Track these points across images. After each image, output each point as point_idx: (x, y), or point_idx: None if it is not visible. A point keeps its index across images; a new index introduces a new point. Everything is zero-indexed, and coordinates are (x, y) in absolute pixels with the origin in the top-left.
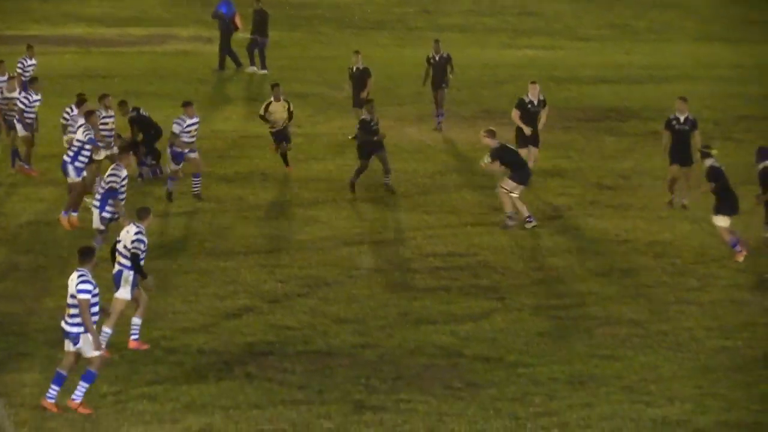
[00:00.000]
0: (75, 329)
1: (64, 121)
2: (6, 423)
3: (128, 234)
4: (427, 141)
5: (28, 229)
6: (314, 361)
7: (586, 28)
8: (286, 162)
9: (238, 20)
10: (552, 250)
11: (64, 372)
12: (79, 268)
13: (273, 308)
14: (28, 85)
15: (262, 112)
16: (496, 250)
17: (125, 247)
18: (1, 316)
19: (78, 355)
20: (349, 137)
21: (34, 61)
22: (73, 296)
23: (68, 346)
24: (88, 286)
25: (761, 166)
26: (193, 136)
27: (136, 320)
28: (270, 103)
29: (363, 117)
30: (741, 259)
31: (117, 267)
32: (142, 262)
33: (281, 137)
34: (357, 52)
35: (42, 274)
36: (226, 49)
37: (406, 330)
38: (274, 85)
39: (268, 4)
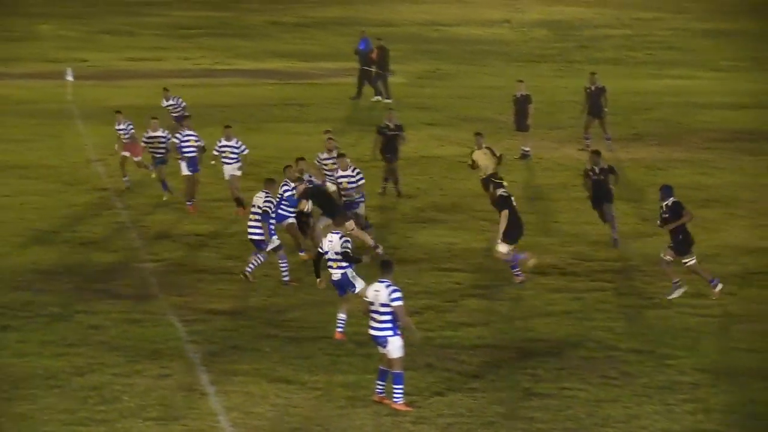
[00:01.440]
0: (382, 333)
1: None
2: None
3: (333, 243)
4: (582, 158)
5: (235, 238)
6: (487, 354)
7: (722, 60)
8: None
9: (374, 54)
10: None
11: (384, 367)
12: (383, 279)
13: (450, 307)
14: (180, 122)
15: (469, 161)
16: (646, 258)
17: (336, 252)
18: (214, 313)
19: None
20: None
21: (171, 102)
22: (384, 304)
23: (381, 349)
24: (399, 294)
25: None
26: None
27: (342, 316)
28: (473, 151)
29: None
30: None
31: (337, 273)
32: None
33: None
34: (520, 81)
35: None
36: (365, 80)
37: (567, 326)
38: (477, 134)
39: (443, 41)
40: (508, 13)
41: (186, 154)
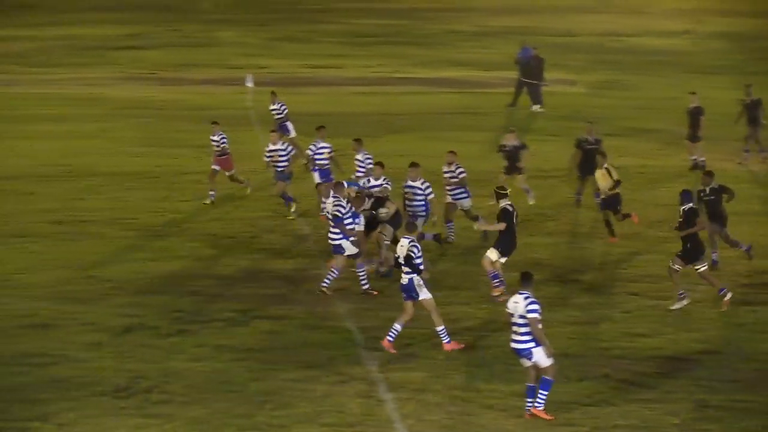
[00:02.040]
0: (524, 345)
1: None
2: None
3: (402, 247)
4: (737, 171)
5: None
6: (662, 365)
7: None
8: (610, 231)
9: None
10: None
11: (531, 384)
12: (522, 291)
13: (626, 318)
14: (317, 132)
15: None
16: None
17: (403, 257)
18: (390, 320)
19: (536, 367)
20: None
21: (275, 106)
22: (522, 316)
23: (524, 362)
24: (536, 306)
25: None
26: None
27: (398, 326)
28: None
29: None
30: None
31: (405, 278)
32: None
33: (606, 205)
34: (693, 93)
35: None
36: (522, 88)
37: (741, 339)
38: (599, 154)
39: (623, 52)
40: (687, 24)
41: (317, 166)
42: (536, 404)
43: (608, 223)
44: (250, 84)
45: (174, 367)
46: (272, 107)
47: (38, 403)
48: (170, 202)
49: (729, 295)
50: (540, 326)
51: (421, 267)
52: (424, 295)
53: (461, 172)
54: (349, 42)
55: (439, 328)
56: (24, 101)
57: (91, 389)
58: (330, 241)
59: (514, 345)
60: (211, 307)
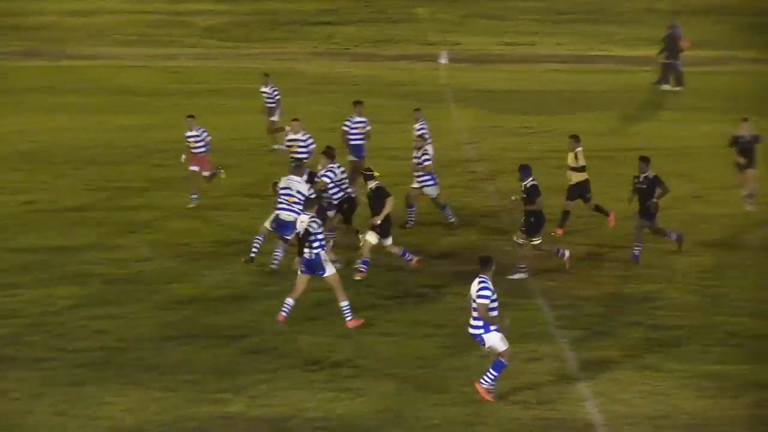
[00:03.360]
0: (476, 331)
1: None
2: None
3: (302, 222)
4: None
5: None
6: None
7: None
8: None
9: (684, 42)
10: None
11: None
12: (481, 275)
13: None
14: (354, 107)
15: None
16: None
17: (317, 233)
18: (582, 299)
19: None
20: None
21: (267, 89)
22: (474, 300)
23: (482, 349)
24: (488, 292)
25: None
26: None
27: (343, 303)
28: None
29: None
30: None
31: (311, 253)
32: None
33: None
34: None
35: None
36: (671, 67)
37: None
38: (571, 137)
39: None
40: None
41: (352, 142)
42: (482, 380)
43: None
44: (443, 61)
45: (365, 342)
46: (263, 90)
47: (231, 375)
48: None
49: (567, 253)
50: (492, 313)
51: (321, 243)
52: (330, 270)
53: (426, 159)
54: (544, 19)
55: (342, 304)
56: (220, 75)
57: (282, 362)
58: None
59: (469, 330)
60: (404, 282)
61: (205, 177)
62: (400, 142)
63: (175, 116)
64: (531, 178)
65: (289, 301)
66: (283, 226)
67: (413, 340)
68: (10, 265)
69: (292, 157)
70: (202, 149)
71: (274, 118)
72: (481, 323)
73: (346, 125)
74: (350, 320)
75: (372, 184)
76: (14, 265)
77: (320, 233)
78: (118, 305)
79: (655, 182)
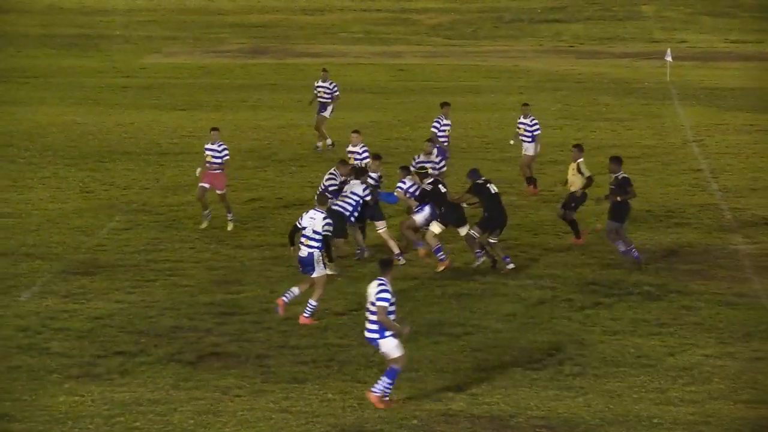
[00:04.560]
0: (372, 335)
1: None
2: None
3: (315, 221)
4: None
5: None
6: None
7: None
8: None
9: None
10: None
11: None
12: (380, 277)
13: None
14: (441, 109)
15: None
16: None
17: (316, 231)
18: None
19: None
20: None
21: (326, 84)
22: (373, 303)
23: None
24: (387, 295)
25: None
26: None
27: (312, 302)
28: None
29: None
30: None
31: (305, 251)
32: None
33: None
34: None
35: None
36: None
37: None
38: (574, 146)
39: None
40: None
41: (444, 143)
42: (374, 389)
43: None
44: (669, 58)
45: (588, 340)
46: (321, 84)
47: (453, 373)
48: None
49: (480, 260)
50: (390, 316)
51: (320, 245)
52: (320, 271)
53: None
54: None
55: (313, 302)
56: (446, 73)
57: (505, 360)
58: None
59: (365, 333)
60: (627, 280)
61: (219, 195)
62: (626, 139)
63: (401, 114)
64: (475, 178)
65: (295, 290)
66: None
67: (636, 339)
68: (235, 262)
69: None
70: (218, 165)
71: (326, 114)
72: (377, 327)
73: (435, 126)
74: (307, 317)
75: (427, 182)
76: (238, 262)
77: (330, 234)
78: (340, 303)
79: (623, 184)
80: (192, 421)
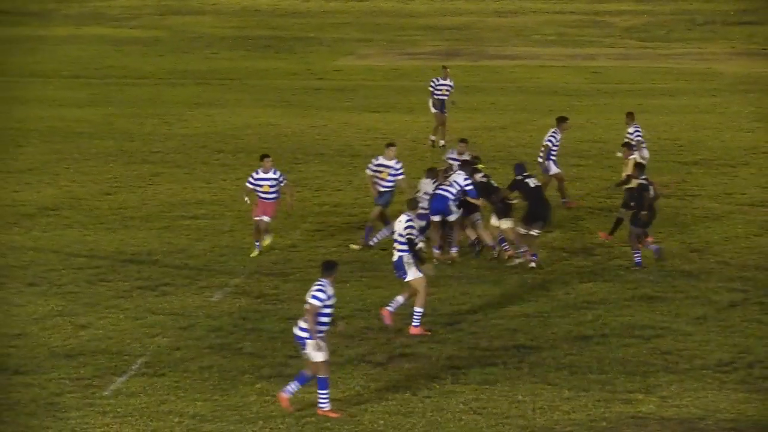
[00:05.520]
0: (302, 333)
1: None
2: None
3: (400, 222)
4: None
5: None
6: None
7: None
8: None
9: None
10: None
11: (305, 372)
12: (320, 279)
13: None
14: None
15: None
16: None
17: (400, 234)
18: None
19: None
20: None
21: (448, 82)
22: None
23: (302, 351)
24: (321, 295)
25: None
26: None
27: (417, 309)
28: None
29: None
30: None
31: (396, 255)
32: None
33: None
34: None
35: None
36: None
37: None
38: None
39: None
40: None
41: (552, 156)
42: (320, 404)
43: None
44: None
45: None
46: (443, 82)
47: (642, 375)
48: None
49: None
50: (325, 318)
51: (418, 245)
52: (413, 275)
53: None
54: None
55: (417, 309)
56: (639, 75)
57: (694, 363)
58: None
59: (296, 331)
60: None
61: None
62: None
63: (594, 116)
64: (519, 174)
65: (399, 298)
66: None
67: None
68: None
69: (377, 185)
70: (274, 195)
71: (446, 112)
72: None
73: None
74: (416, 327)
75: (478, 176)
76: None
77: (413, 236)
78: (531, 304)
79: (641, 189)
80: (382, 422)
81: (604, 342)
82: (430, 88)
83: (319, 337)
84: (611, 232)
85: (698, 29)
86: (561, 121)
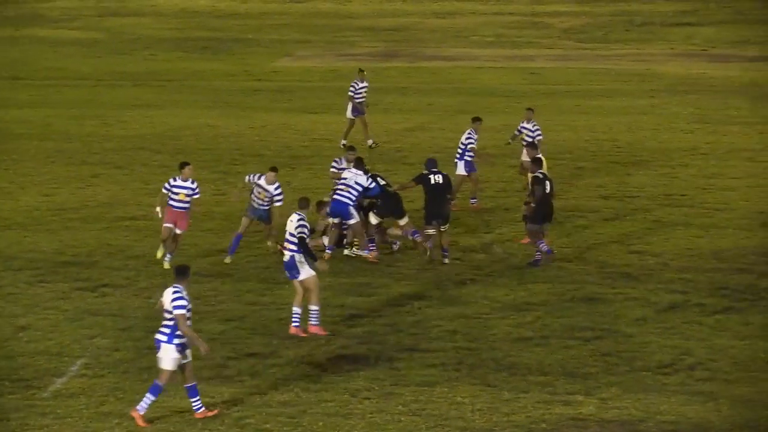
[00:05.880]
0: (159, 337)
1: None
2: None
3: (292, 223)
4: None
5: None
6: None
7: None
8: None
9: None
10: None
11: (187, 384)
12: (175, 284)
13: None
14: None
15: None
16: None
17: (291, 234)
18: None
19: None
20: None
21: (366, 84)
22: (167, 311)
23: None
24: (183, 302)
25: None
26: None
27: (313, 307)
28: None
29: None
30: None
31: (287, 255)
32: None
33: None
34: None
35: None
36: None
37: None
38: None
39: None
40: None
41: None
42: (137, 407)
43: None
44: None
45: (719, 345)
46: (363, 85)
47: (582, 377)
48: (720, 179)
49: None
50: (188, 323)
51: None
52: (306, 273)
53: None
54: None
55: (313, 308)
56: (578, 76)
57: (635, 364)
58: None
59: (157, 336)
60: (759, 284)
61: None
62: (757, 143)
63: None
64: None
65: (296, 309)
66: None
67: (767, 344)
68: (365, 264)
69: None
70: (187, 205)
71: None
72: (167, 331)
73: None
74: (315, 326)
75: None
76: (367, 265)
77: (304, 236)
78: (470, 306)
79: (537, 182)
80: (321, 423)
81: (544, 344)
82: (350, 93)
83: (171, 342)
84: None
85: (637, 30)
86: (476, 121)
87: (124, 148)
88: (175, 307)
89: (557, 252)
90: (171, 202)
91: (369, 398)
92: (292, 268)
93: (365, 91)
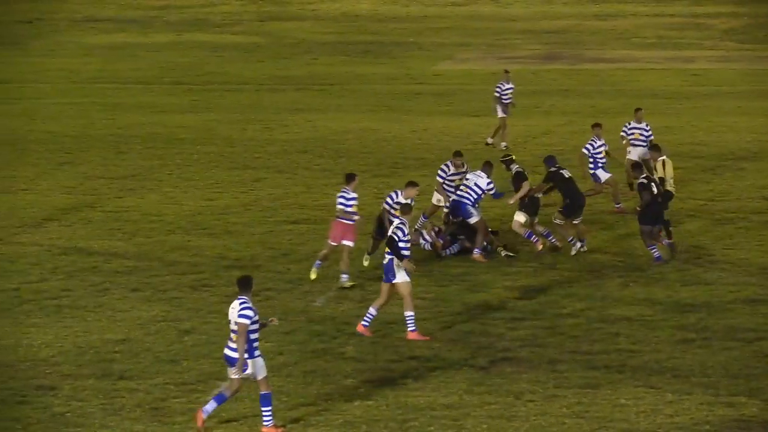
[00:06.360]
0: (236, 354)
1: None
2: None
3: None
4: None
5: None
6: None
7: None
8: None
9: None
10: None
11: (224, 392)
12: (240, 296)
13: None
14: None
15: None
16: None
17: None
18: None
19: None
20: None
21: (512, 85)
22: (236, 323)
23: (230, 371)
24: (249, 312)
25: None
26: None
27: (408, 313)
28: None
29: None
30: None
31: (386, 257)
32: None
33: None
34: None
35: None
36: None
37: None
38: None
39: None
40: None
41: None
42: (264, 422)
43: None
44: None
45: None
46: (509, 86)
47: (745, 378)
48: None
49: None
50: (253, 335)
51: (404, 252)
52: (401, 278)
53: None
54: None
55: (407, 314)
56: (739, 77)
57: None
58: None
59: (226, 351)
60: None
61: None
62: None
63: (694, 119)
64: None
65: (372, 311)
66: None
67: None
68: (528, 267)
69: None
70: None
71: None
72: (247, 347)
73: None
74: (412, 332)
75: (514, 168)
76: (530, 267)
77: (395, 238)
78: (632, 308)
79: (639, 189)
80: (485, 426)
81: (706, 345)
82: (496, 94)
83: (254, 356)
84: (668, 236)
85: None
86: (596, 127)
87: (286, 152)
88: (240, 316)
89: (718, 254)
90: (343, 216)
91: (532, 401)
92: (389, 271)
93: (511, 92)
